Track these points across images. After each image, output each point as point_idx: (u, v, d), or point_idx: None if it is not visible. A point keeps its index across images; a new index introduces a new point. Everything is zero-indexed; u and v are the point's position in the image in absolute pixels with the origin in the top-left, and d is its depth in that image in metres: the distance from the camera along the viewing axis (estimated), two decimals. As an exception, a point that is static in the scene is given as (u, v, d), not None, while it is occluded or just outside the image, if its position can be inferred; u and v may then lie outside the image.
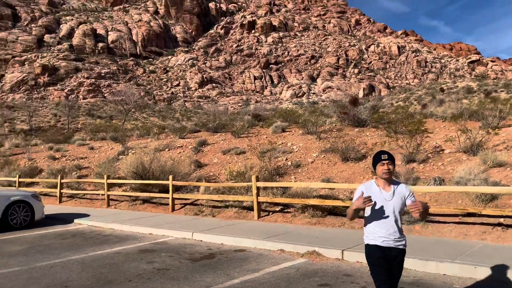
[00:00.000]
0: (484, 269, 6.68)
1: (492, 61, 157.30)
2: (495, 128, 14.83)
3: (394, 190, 4.39)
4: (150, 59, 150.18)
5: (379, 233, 4.35)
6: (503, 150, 13.28)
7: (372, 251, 4.38)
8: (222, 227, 11.23)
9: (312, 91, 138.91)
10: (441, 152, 14.84)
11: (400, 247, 4.38)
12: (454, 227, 9.57)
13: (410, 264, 7.25)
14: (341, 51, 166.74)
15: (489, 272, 6.61)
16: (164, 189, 15.55)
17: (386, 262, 4.30)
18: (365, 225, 4.56)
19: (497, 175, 11.71)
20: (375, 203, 4.32)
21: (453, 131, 15.93)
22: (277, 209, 12.92)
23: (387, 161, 4.37)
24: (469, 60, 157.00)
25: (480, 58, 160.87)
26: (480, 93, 48.38)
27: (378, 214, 4.37)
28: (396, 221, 4.34)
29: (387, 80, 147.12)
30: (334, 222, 11.10)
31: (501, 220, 9.41)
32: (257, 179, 12.28)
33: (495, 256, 7.35)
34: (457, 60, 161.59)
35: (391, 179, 4.44)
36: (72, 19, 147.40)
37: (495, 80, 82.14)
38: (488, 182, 10.77)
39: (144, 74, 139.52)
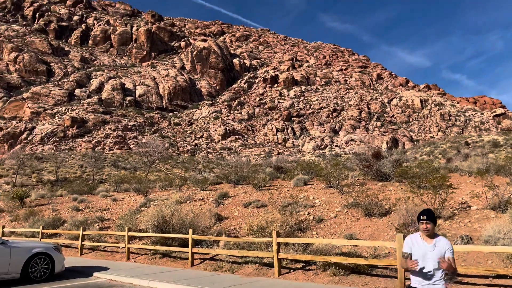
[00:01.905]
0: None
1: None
2: (523, 184, 14.39)
3: (435, 243, 5.21)
4: (175, 112, 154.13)
5: (418, 279, 5.20)
6: (533, 208, 12.80)
7: None
8: (242, 284, 10.96)
9: (334, 144, 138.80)
10: (467, 209, 14.40)
11: None
12: (484, 290, 9.10)
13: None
14: (363, 104, 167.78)
15: None
16: (184, 242, 15.42)
17: None
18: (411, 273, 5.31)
19: (528, 234, 11.22)
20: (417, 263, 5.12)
21: (479, 187, 15.53)
22: (299, 266, 12.59)
23: (425, 221, 5.27)
24: (494, 113, 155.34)
25: (506, 112, 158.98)
26: (507, 147, 47.37)
27: (421, 263, 5.14)
28: (435, 270, 5.07)
29: (410, 133, 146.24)
30: (357, 281, 10.70)
31: (535, 283, 8.91)
32: (278, 235, 12.08)
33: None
34: (482, 114, 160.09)
35: (432, 234, 5.27)
36: (102, 74, 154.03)
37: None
38: (518, 242, 10.32)
39: (169, 126, 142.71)
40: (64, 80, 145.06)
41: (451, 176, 19.98)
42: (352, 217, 16.23)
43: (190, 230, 14.35)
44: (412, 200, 14.58)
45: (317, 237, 14.87)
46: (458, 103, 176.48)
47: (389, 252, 11.95)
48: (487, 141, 58.29)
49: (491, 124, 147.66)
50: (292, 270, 12.31)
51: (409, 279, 10.11)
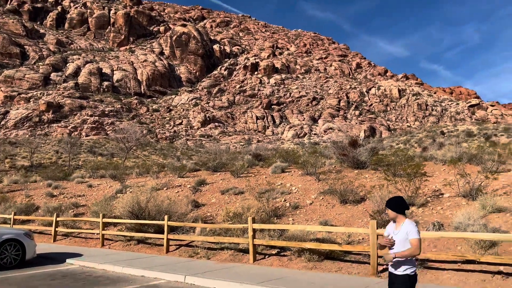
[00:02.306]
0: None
1: (492, 105, 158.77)
2: (494, 173, 14.73)
3: (401, 227, 5.58)
4: (154, 98, 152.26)
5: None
6: (502, 195, 13.13)
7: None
8: (216, 270, 10.96)
9: (313, 132, 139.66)
10: (440, 196, 14.69)
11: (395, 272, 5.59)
12: (453, 275, 9.32)
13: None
14: (342, 93, 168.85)
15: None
16: (159, 229, 15.32)
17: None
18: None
19: (497, 220, 11.52)
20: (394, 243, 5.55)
21: (452, 175, 15.84)
22: (274, 252, 12.66)
23: (386, 208, 5.86)
24: (469, 104, 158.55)
25: (480, 102, 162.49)
26: (480, 136, 48.52)
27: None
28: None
29: (388, 122, 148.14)
30: (331, 267, 10.83)
31: (501, 268, 9.17)
32: (253, 221, 12.10)
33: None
34: (457, 104, 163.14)
35: (398, 220, 5.67)
36: (79, 58, 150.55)
37: (495, 124, 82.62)
38: (487, 228, 10.59)
39: (147, 113, 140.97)
40: (39, 63, 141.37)
41: (426, 164, 20.30)
42: (328, 204, 16.38)
43: (166, 217, 14.26)
44: (386, 188, 14.78)
45: (293, 224, 14.96)
46: (435, 93, 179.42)
47: (363, 239, 12.11)
48: (461, 130, 59.54)
49: (466, 114, 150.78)
50: (267, 256, 12.37)
51: (380, 264, 10.29)
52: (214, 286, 9.54)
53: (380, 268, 10.28)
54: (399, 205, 5.67)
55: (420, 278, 9.40)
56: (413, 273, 5.50)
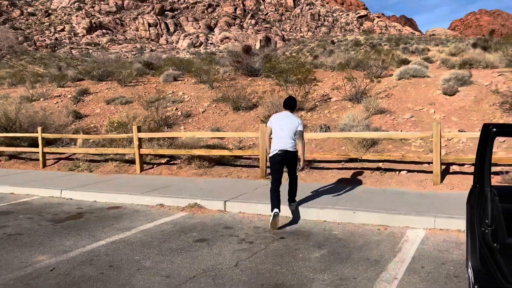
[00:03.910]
0: (361, 214, 6.67)
1: (378, 17, 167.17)
2: (378, 77, 15.33)
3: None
4: (28, 0, 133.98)
5: (277, 145, 6.59)
6: (384, 98, 13.77)
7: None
8: (98, 182, 10.16)
9: (209, 41, 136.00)
10: (328, 101, 15.02)
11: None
12: (337, 173, 9.66)
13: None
14: (238, 0, 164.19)
15: (366, 216, 6.62)
16: (34, 143, 13.76)
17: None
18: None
19: (379, 121, 12.09)
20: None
21: (341, 81, 16.22)
22: (163, 161, 12.11)
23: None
24: (358, 15, 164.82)
25: (368, 14, 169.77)
26: (367, 46, 51.00)
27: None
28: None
29: (282, 32, 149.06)
30: (221, 172, 10.65)
31: (380, 164, 9.69)
32: (139, 130, 11.26)
33: (373, 200, 7.44)
34: (348, 15, 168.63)
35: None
36: None
37: (380, 35, 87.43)
38: (370, 128, 11.04)
39: (21, 17, 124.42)
40: None
41: (316, 71, 20.58)
42: (221, 111, 15.99)
43: (39, 129, 12.74)
44: (277, 93, 14.67)
45: (185, 132, 14.42)
46: (327, 3, 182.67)
47: (253, 144, 12.03)
48: (350, 40, 61.95)
49: (355, 25, 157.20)
50: (156, 165, 11.80)
51: (269, 167, 10.34)
52: (94, 199, 8.82)
53: (269, 171, 10.32)
54: (291, 104, 6.98)
55: (307, 178, 9.62)
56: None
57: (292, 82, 16.40)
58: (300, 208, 7.07)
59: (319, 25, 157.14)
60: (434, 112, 12.11)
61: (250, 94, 16.43)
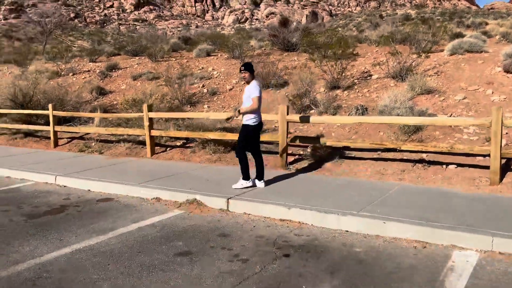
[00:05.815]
0: (393, 225, 5.19)
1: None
2: (426, 52, 13.35)
3: (248, 86, 6.81)
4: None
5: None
6: (433, 76, 11.88)
7: None
8: (101, 167, 9.17)
9: (255, 17, 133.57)
10: (368, 78, 13.28)
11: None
12: (371, 165, 8.13)
13: (307, 217, 5.67)
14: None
15: (399, 228, 5.14)
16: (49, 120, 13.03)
17: None
18: None
19: (425, 102, 10.33)
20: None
21: (384, 56, 14.38)
22: (179, 143, 10.98)
23: (243, 71, 6.77)
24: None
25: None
26: (418, 20, 47.37)
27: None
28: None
29: (330, 7, 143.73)
30: (236, 159, 9.36)
31: (424, 155, 8.05)
32: (150, 109, 10.14)
33: (411, 205, 5.91)
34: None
35: (250, 81, 6.81)
36: None
37: (433, 9, 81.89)
38: (413, 111, 9.33)
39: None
40: None
41: (359, 46, 18.73)
42: (249, 89, 14.63)
43: (50, 106, 11.91)
44: (308, 69, 13.09)
45: (207, 111, 13.24)
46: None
47: (274, 128, 10.66)
48: (400, 14, 58.15)
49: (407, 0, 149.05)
50: (169, 148, 10.70)
51: (292, 154, 8.96)
52: (89, 188, 7.80)
53: (291, 158, 8.93)
54: (252, 67, 6.82)
55: (333, 169, 8.17)
56: (255, 123, 6.82)
57: (329, 57, 14.74)
58: (316, 212, 5.67)
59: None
60: (493, 93, 10.18)
61: (281, 71, 14.95)
